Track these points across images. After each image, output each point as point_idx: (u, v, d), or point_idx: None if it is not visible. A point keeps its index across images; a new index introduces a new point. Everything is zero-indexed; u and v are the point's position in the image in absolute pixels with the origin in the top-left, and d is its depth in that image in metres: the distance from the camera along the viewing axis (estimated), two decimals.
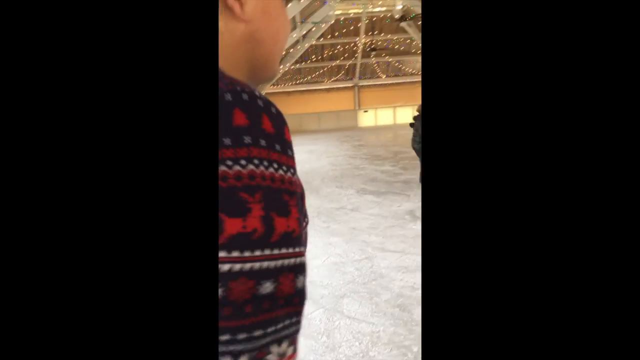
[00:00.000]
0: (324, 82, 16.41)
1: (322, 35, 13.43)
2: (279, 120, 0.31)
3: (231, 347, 0.26)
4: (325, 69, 15.81)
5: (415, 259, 2.90)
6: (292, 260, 0.29)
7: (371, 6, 12.39)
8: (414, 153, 5.56)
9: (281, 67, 13.56)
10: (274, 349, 0.28)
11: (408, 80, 16.56)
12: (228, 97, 0.29)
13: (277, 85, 15.38)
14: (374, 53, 14.28)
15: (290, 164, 0.31)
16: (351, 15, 13.36)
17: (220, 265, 0.26)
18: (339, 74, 16.34)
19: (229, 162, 0.27)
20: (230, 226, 0.27)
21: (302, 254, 0.30)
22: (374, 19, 13.30)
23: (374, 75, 16.66)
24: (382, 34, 14.30)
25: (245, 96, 0.30)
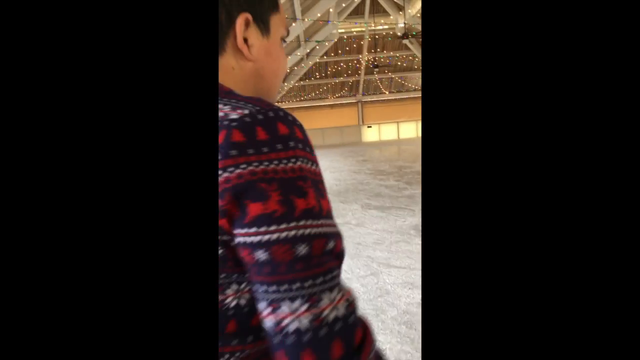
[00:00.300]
0: (327, 98, 16.57)
1: (325, 53, 13.63)
2: (302, 129, 0.41)
3: (326, 285, 0.36)
4: (329, 86, 15.98)
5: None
6: (336, 229, 0.40)
7: (374, 24, 12.60)
8: (418, 168, 5.54)
9: (285, 84, 13.73)
10: (343, 285, 0.39)
11: (411, 95, 16.66)
12: (270, 114, 0.38)
13: (282, 102, 15.57)
14: (377, 70, 14.44)
15: (317, 162, 0.41)
16: (354, 33, 13.58)
17: (308, 230, 0.36)
18: (342, 91, 16.52)
19: (285, 161, 0.37)
20: (300, 204, 0.36)
21: (337, 225, 0.42)
22: (376, 37, 13.52)
23: (377, 91, 16.81)
24: (385, 51, 14.50)
25: (281, 113, 0.39)
